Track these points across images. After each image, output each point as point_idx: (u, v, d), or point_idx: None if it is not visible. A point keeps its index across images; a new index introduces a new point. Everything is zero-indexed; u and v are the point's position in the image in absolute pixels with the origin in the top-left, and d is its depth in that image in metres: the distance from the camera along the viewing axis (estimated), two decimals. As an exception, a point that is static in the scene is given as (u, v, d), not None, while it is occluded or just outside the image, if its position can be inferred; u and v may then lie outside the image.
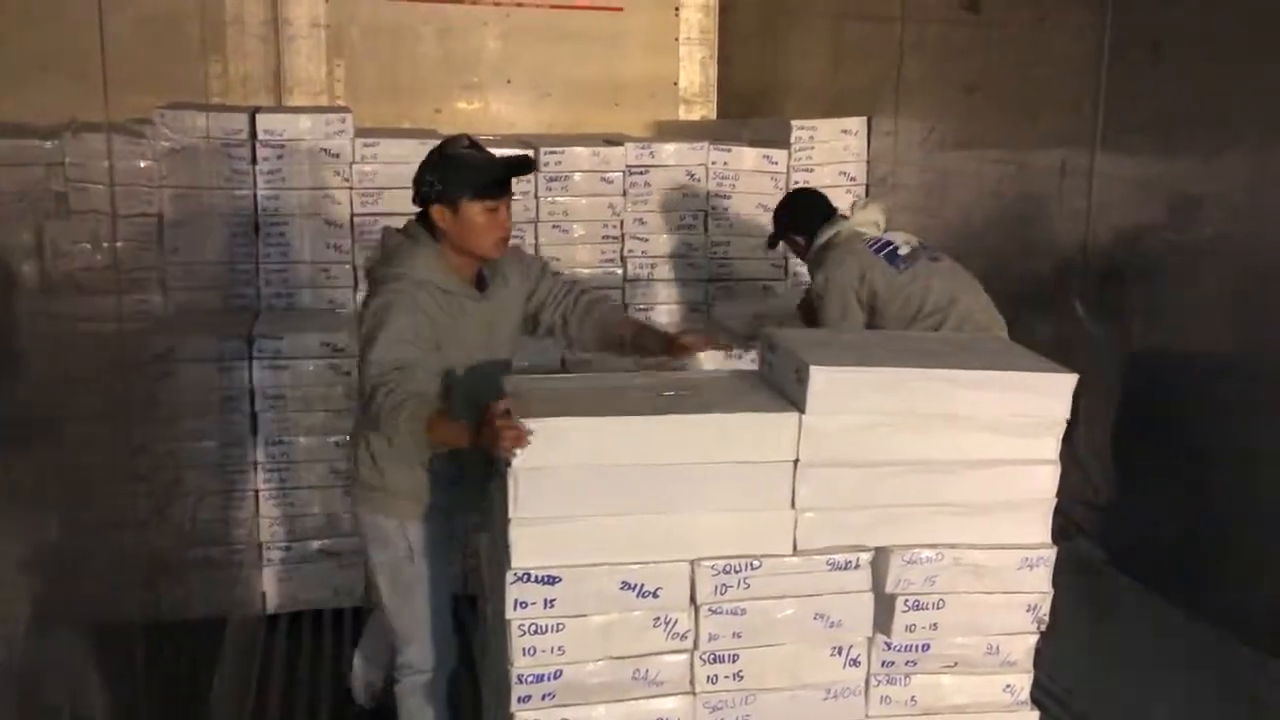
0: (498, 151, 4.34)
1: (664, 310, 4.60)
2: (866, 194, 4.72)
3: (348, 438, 3.01)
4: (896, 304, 3.44)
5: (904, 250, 3.51)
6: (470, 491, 2.72)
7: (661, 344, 2.88)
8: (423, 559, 2.80)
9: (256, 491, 3.94)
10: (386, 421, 2.48)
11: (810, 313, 3.68)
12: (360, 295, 4.11)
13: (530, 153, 4.33)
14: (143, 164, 2.70)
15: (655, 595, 2.22)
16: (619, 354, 2.99)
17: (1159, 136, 3.07)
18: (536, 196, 4.45)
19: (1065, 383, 2.33)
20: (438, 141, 4.24)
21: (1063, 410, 2.33)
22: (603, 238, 4.54)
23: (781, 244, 3.85)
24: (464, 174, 2.63)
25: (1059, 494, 2.38)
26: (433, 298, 2.62)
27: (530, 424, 2.14)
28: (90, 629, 1.91)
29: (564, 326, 2.94)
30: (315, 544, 4.01)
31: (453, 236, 2.65)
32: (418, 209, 2.72)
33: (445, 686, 2.94)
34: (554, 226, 4.48)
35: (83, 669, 1.82)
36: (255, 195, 4.16)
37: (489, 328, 2.75)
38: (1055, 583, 2.38)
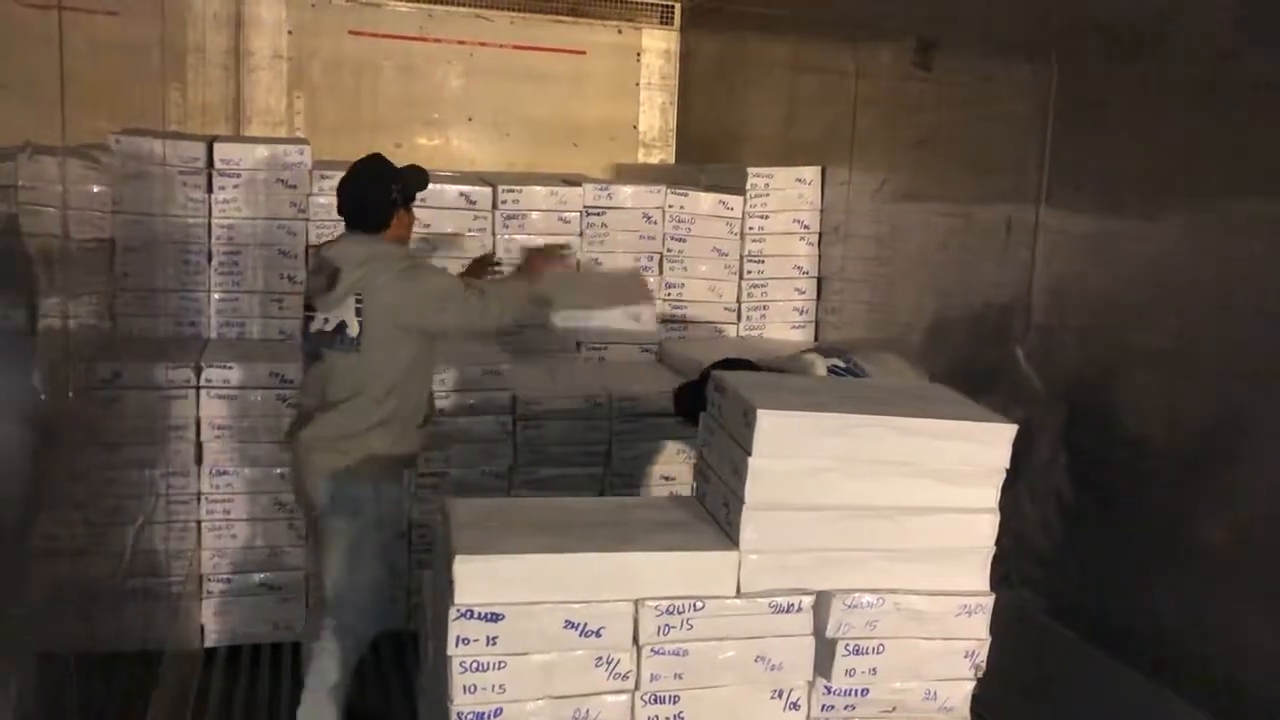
0: (457, 188, 4.43)
1: (619, 349, 4.63)
2: (819, 242, 4.80)
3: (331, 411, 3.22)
4: None
5: (856, 361, 3.26)
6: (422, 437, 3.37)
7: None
8: (387, 529, 3.24)
9: (199, 522, 3.89)
10: (502, 315, 3.38)
11: None
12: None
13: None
14: (96, 189, 2.70)
15: (598, 635, 2.23)
16: None
17: (1101, 193, 3.15)
18: (494, 234, 4.47)
19: (1005, 432, 2.38)
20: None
21: (1002, 459, 2.37)
22: (558, 277, 4.56)
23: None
24: (413, 182, 3.34)
25: (1000, 543, 2.42)
26: None
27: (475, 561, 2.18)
28: (21, 659, 1.88)
29: None
30: (257, 577, 3.96)
31: (400, 232, 3.32)
32: (358, 219, 3.29)
33: (357, 656, 3.26)
34: (510, 264, 4.50)
35: (11, 700, 1.79)
36: (209, 223, 4.14)
37: None
38: (994, 631, 2.42)
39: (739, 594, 2.29)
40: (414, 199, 3.37)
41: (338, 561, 3.18)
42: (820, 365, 3.24)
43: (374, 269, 3.18)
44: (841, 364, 3.26)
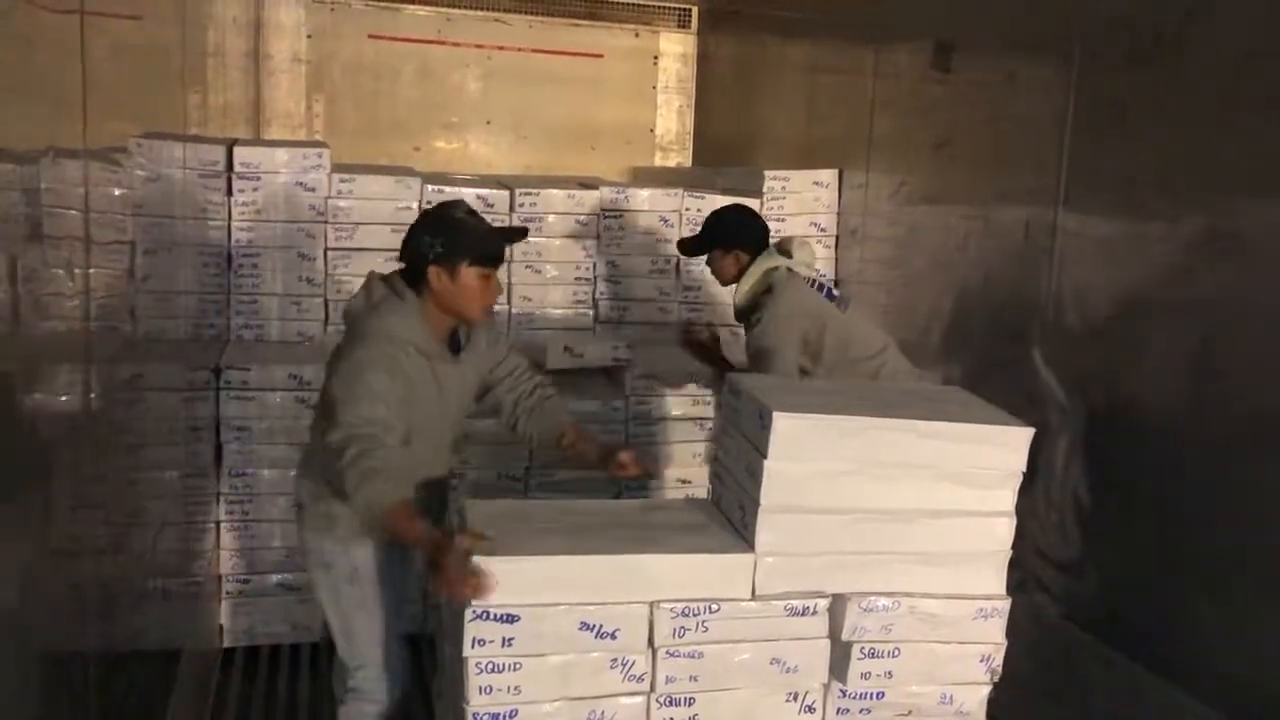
0: (474, 191, 4.44)
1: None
2: (836, 245, 4.79)
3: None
4: (837, 347, 3.44)
5: (837, 291, 3.63)
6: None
7: (598, 457, 2.92)
8: (366, 584, 2.81)
9: (218, 523, 3.91)
10: (349, 482, 2.48)
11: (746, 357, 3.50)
12: (331, 330, 4.14)
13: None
14: (118, 192, 2.72)
15: (613, 636, 2.23)
16: (553, 452, 3.06)
17: (1121, 196, 3.14)
18: (510, 236, 4.48)
19: (1022, 436, 2.37)
20: (414, 178, 4.34)
21: (1019, 463, 2.37)
22: (575, 279, 4.58)
23: (697, 259, 3.70)
24: (466, 241, 2.68)
25: (1016, 547, 2.42)
26: (409, 358, 2.67)
27: (491, 562, 2.16)
28: (43, 658, 1.90)
29: (513, 410, 3.01)
30: (274, 578, 3.98)
31: (444, 298, 2.69)
32: (403, 265, 2.74)
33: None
34: (527, 267, 4.51)
35: (33, 699, 1.81)
36: (229, 226, 4.17)
37: (452, 389, 2.80)
38: (1011, 635, 2.41)
39: (754, 596, 2.30)
40: (468, 263, 2.67)
41: (330, 618, 2.90)
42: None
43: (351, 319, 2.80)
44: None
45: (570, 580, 2.22)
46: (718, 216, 3.76)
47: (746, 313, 3.55)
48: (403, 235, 2.77)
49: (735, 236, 3.61)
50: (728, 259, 3.60)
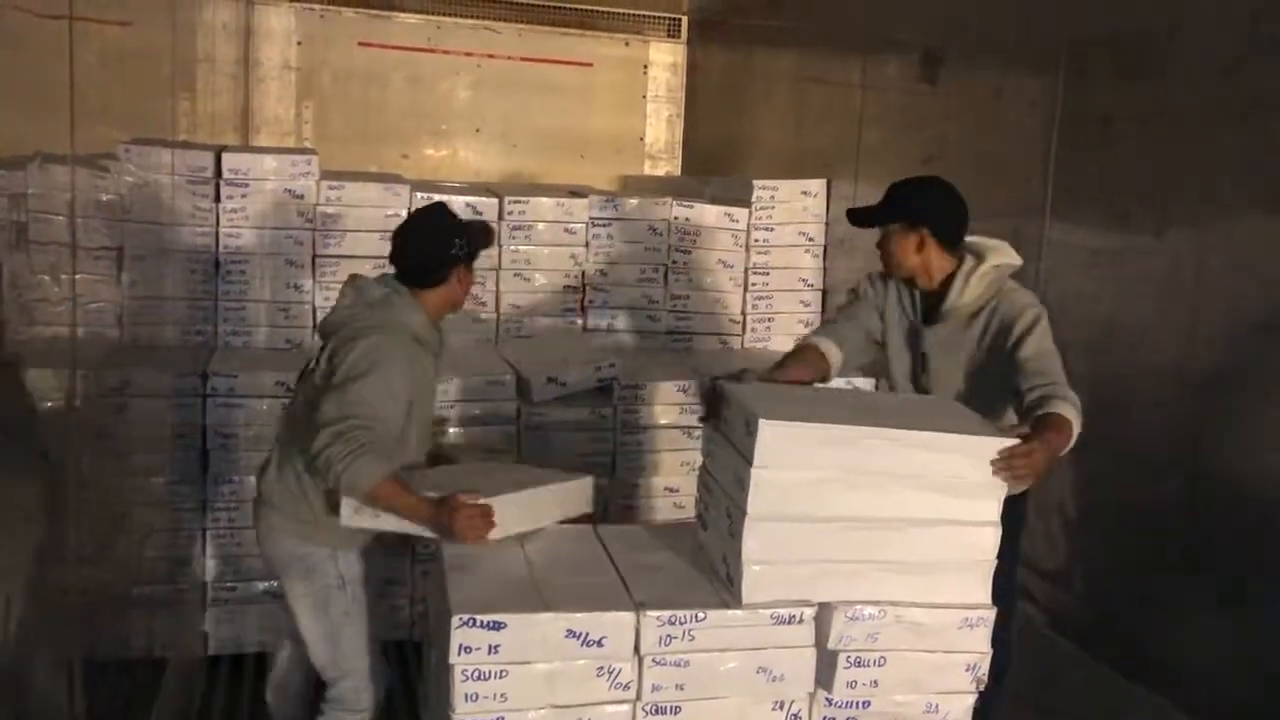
0: (464, 199, 4.44)
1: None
2: (825, 255, 4.80)
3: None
4: None
5: None
6: None
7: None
8: (355, 587, 2.83)
9: (204, 530, 3.89)
10: (336, 455, 2.53)
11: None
12: (319, 338, 4.13)
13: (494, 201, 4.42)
14: (105, 197, 2.72)
15: (599, 644, 2.23)
16: None
17: (1107, 208, 3.16)
18: (500, 244, 4.48)
19: (1007, 446, 2.37)
20: (403, 185, 4.34)
21: (1005, 472, 2.37)
22: (564, 288, 4.58)
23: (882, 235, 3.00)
24: (477, 237, 2.93)
25: (1002, 556, 2.42)
26: (422, 356, 2.81)
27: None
28: (25, 665, 1.89)
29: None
30: (260, 585, 3.95)
31: (459, 294, 2.89)
32: (419, 269, 2.83)
33: None
34: (516, 275, 4.52)
35: (15, 706, 1.80)
36: (217, 233, 4.16)
37: (434, 380, 2.96)
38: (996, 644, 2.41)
39: (740, 604, 2.30)
40: (473, 260, 2.92)
41: (311, 627, 2.84)
42: None
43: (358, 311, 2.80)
44: None
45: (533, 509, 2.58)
46: (922, 187, 2.99)
47: (967, 314, 2.89)
48: (392, 241, 2.81)
49: (930, 219, 2.90)
50: (908, 240, 2.93)
